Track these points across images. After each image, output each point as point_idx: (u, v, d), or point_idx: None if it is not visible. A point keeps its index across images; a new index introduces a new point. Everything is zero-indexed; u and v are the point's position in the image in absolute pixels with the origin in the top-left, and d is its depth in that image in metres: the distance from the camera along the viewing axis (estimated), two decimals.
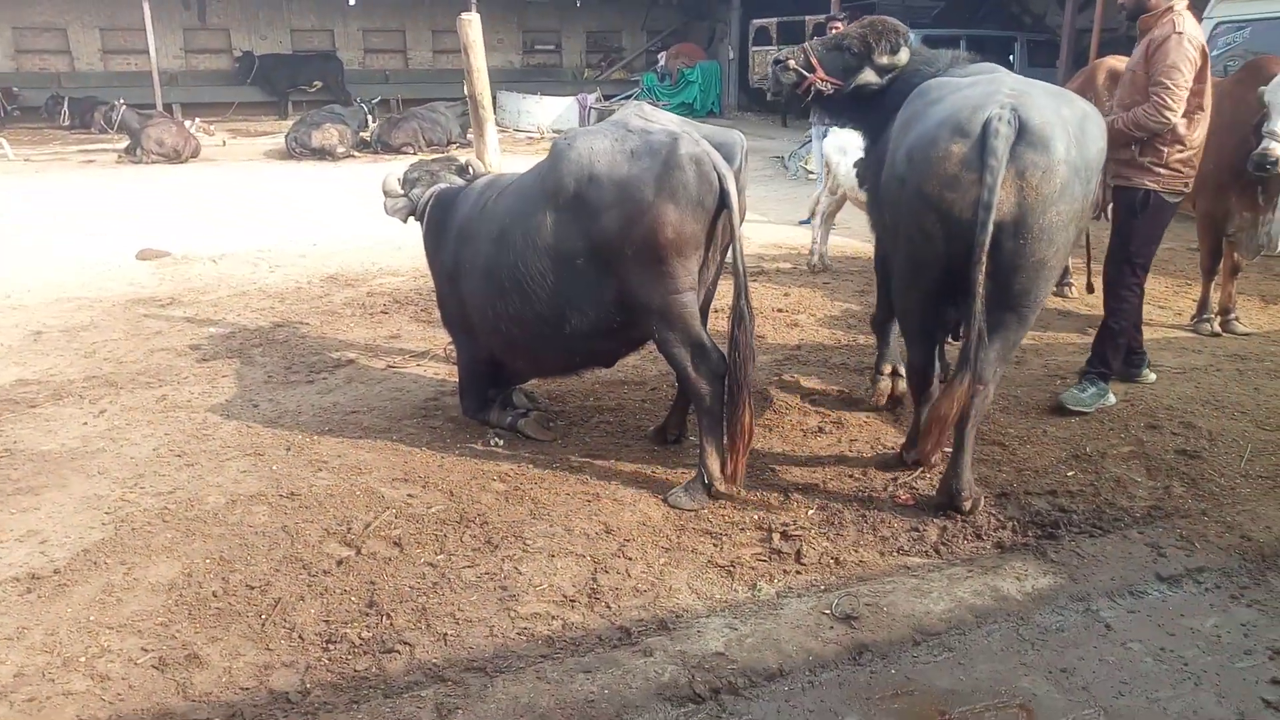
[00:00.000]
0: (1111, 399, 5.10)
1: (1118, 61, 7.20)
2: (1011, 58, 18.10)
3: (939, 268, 3.75)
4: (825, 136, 8.31)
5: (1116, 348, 5.11)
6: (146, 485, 4.23)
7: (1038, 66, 17.20)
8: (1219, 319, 6.40)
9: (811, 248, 8.42)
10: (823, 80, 4.72)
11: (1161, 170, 4.83)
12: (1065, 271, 7.55)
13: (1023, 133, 3.51)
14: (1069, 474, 4.30)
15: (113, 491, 4.17)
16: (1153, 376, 5.29)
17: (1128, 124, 4.78)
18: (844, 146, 7.89)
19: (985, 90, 3.72)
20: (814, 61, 4.76)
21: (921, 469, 4.28)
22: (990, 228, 3.48)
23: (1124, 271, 5.02)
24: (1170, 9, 4.76)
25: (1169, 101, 4.65)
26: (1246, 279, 7.12)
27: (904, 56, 4.62)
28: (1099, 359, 5.12)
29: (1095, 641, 3.12)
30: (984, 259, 3.50)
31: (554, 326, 4.17)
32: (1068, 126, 3.58)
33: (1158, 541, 3.70)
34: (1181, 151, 4.82)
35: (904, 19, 4.84)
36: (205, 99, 23.58)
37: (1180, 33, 4.66)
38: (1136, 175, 4.89)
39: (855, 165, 7.59)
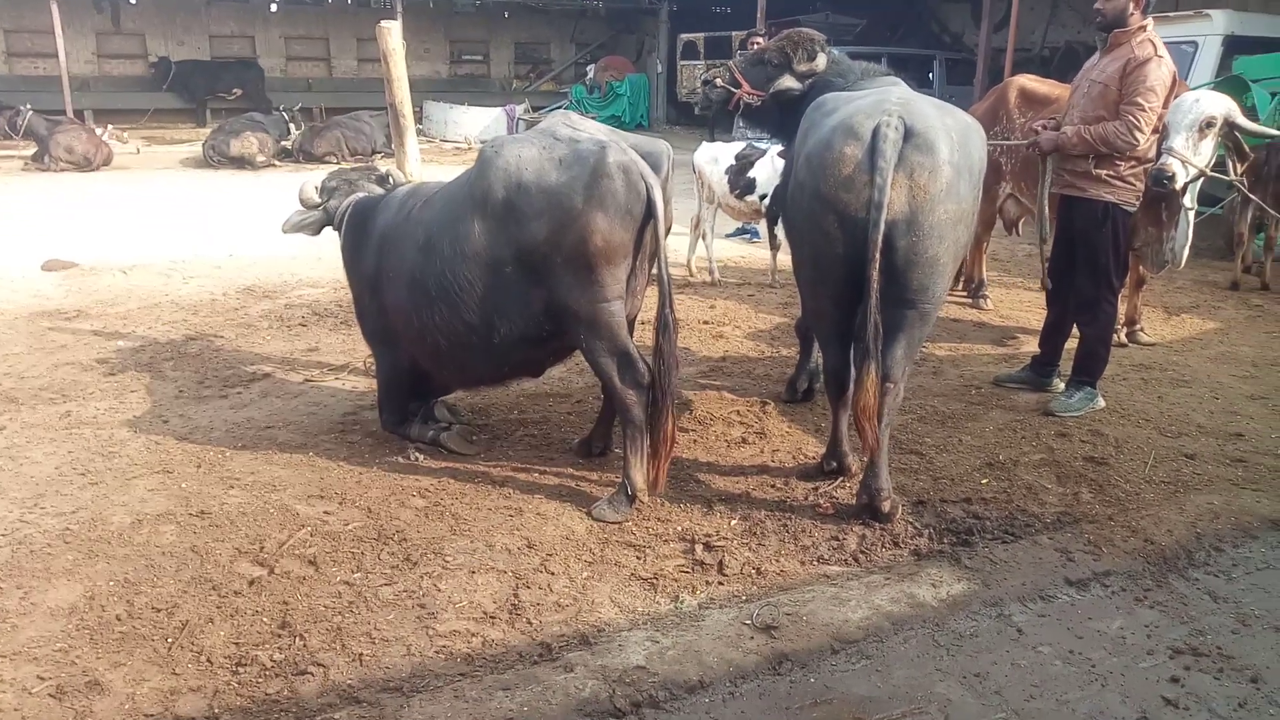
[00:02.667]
0: (1100, 402, 5.24)
1: (1028, 81, 7.45)
2: (931, 75, 18.59)
3: (842, 267, 3.87)
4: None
5: (1099, 358, 5.21)
6: (47, 505, 4.05)
7: (955, 84, 17.69)
8: (1124, 330, 6.63)
9: (709, 267, 8.46)
10: (749, 94, 5.02)
11: (1117, 182, 4.98)
12: (981, 284, 7.76)
13: (909, 137, 3.71)
14: (983, 481, 4.40)
15: (10, 512, 3.98)
16: (1061, 385, 5.45)
17: (1095, 138, 4.88)
18: (715, 156, 8.00)
19: (875, 100, 3.94)
20: (739, 77, 5.10)
21: (841, 479, 4.35)
22: (883, 225, 3.64)
23: (1099, 284, 5.12)
24: (1144, 27, 4.86)
25: (1140, 124, 4.78)
26: (1151, 291, 7.40)
27: (822, 62, 4.90)
28: (1082, 370, 5.23)
29: (1007, 646, 3.19)
30: (877, 256, 3.65)
31: (482, 335, 4.13)
32: (950, 133, 3.81)
33: (1067, 547, 3.81)
34: (1134, 166, 4.97)
35: (826, 35, 5.04)
36: (119, 105, 22.83)
37: (1161, 56, 4.78)
38: (1092, 187, 5.02)
39: (726, 172, 7.78)
